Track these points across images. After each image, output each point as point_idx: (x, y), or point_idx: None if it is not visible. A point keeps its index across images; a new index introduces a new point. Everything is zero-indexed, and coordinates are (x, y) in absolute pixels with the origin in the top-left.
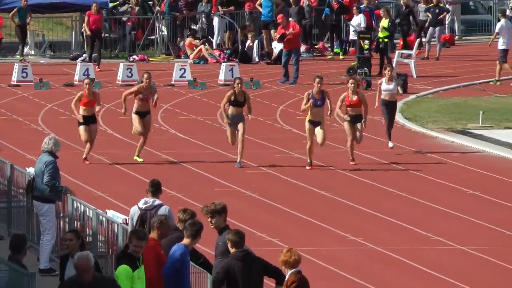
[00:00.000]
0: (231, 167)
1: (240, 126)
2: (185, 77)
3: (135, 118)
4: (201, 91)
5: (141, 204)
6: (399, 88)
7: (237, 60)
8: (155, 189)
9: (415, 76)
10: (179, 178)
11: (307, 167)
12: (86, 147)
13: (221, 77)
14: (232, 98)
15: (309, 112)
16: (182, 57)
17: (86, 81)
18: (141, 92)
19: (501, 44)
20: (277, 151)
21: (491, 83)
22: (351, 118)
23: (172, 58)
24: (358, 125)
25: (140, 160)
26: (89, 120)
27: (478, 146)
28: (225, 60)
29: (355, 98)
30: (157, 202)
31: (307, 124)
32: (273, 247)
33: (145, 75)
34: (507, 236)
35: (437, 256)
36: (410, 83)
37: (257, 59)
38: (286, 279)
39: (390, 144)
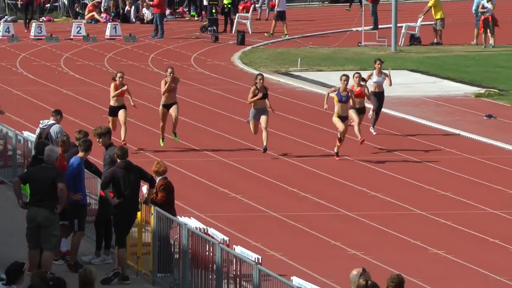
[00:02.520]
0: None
1: (263, 119)
2: (80, 33)
3: (161, 110)
4: (93, 43)
5: (41, 125)
6: (387, 79)
7: (119, 21)
8: (56, 113)
9: (250, 32)
10: (76, 108)
11: (335, 158)
12: (122, 130)
13: (107, 33)
14: (256, 92)
15: (335, 109)
16: (79, 18)
17: (119, 74)
18: (169, 83)
19: (277, 7)
20: (149, 88)
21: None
22: (354, 107)
23: (71, 19)
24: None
25: (176, 139)
26: (119, 109)
27: (297, 84)
28: (110, 20)
29: (358, 89)
30: (51, 122)
31: (336, 120)
32: (147, 158)
33: (169, 70)
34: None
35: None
36: (247, 38)
37: (133, 20)
38: (156, 183)
39: (373, 131)
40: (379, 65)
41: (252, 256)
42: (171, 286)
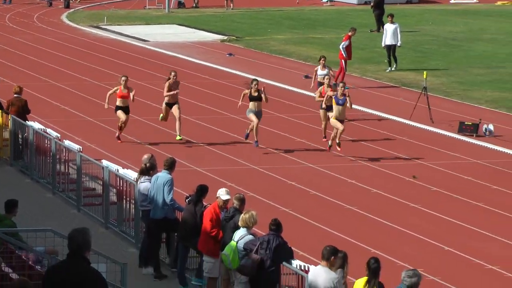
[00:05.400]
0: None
1: (258, 118)
2: None
3: (164, 108)
4: None
5: None
6: (331, 72)
7: None
8: None
9: (75, 1)
10: None
11: (323, 139)
12: (120, 125)
13: None
14: (248, 95)
15: (334, 112)
16: None
17: (123, 78)
18: (171, 87)
19: None
20: (4, 36)
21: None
22: (327, 106)
23: None
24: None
25: (180, 137)
26: (125, 110)
27: (105, 34)
28: None
29: (329, 91)
30: None
31: (333, 123)
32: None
33: (172, 73)
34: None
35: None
36: (71, 3)
37: None
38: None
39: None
40: (323, 61)
41: (75, 146)
42: (22, 166)
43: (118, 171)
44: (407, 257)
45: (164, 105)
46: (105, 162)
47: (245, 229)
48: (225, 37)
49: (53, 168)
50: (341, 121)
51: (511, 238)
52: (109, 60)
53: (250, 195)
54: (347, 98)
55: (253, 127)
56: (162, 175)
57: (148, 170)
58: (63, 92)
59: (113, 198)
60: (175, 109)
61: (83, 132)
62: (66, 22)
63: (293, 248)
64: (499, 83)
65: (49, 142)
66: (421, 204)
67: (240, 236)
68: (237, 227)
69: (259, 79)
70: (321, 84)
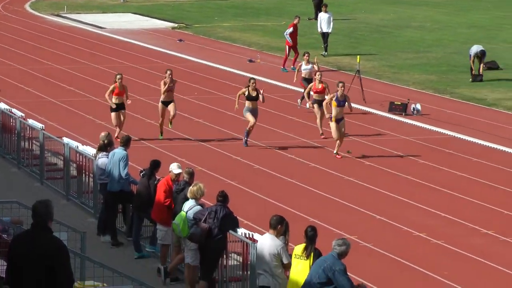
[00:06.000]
0: None
1: (255, 117)
2: None
3: (160, 106)
4: None
5: None
6: (315, 66)
7: None
8: None
9: None
10: None
11: (336, 156)
12: (116, 130)
13: None
14: (246, 93)
15: (332, 113)
16: None
17: (118, 76)
18: (167, 84)
19: None
20: None
21: None
22: (317, 101)
23: None
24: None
25: (161, 137)
26: (120, 107)
27: (64, 21)
28: None
29: (320, 86)
30: None
31: (332, 126)
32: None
33: (168, 72)
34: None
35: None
36: None
37: None
38: None
39: (299, 102)
40: (307, 57)
41: (39, 125)
42: None
43: (78, 147)
44: (342, 226)
45: (160, 103)
46: (66, 140)
47: (193, 200)
48: (176, 25)
49: (18, 144)
50: (341, 119)
51: (436, 208)
52: (69, 46)
53: (199, 169)
54: (347, 98)
55: (251, 127)
56: (118, 151)
57: (105, 147)
58: (27, 75)
59: (74, 172)
60: (171, 107)
61: (46, 111)
62: (30, 10)
63: (238, 217)
64: (426, 66)
65: (14, 121)
66: (355, 177)
67: (189, 207)
68: (187, 199)
69: (207, 63)
70: (305, 79)
